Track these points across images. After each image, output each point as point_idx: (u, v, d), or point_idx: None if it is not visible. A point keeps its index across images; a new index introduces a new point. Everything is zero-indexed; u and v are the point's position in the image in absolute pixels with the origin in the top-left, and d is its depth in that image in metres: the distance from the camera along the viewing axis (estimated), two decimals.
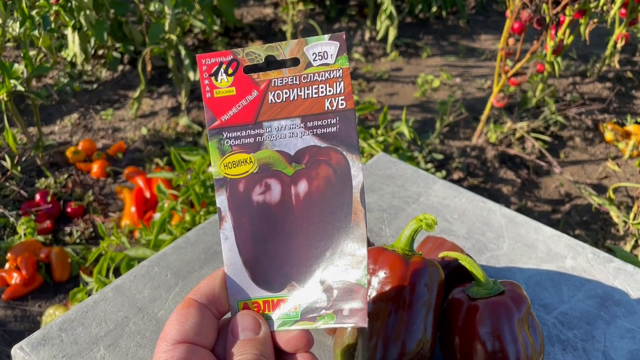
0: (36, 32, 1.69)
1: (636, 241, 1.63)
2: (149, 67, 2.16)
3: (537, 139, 2.18)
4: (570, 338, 0.59)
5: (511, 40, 1.83)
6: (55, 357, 0.55)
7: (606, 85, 2.62)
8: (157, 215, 1.40)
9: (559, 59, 2.05)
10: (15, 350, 0.56)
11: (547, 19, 1.67)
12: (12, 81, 1.63)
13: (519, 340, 0.48)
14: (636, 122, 2.33)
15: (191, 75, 2.12)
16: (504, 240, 0.71)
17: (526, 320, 0.49)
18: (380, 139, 1.48)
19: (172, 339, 0.37)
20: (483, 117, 2.06)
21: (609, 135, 2.25)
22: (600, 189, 2.01)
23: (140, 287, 0.63)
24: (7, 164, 1.68)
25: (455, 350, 0.50)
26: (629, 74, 2.70)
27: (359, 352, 0.47)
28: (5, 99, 1.65)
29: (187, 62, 2.11)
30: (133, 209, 1.70)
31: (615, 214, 1.69)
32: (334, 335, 0.56)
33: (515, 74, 1.90)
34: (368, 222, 0.73)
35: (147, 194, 1.74)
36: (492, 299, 0.50)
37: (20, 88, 1.60)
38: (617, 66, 2.04)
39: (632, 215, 1.59)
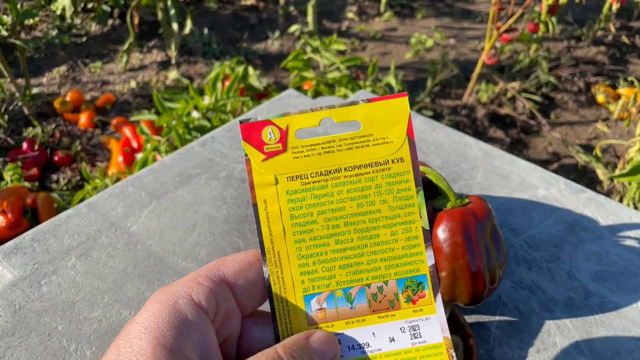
0: None
1: (621, 198, 1.64)
2: (136, 20, 2.13)
3: (528, 99, 2.18)
4: (536, 258, 0.60)
5: None
6: (27, 264, 0.56)
7: (601, 49, 2.60)
8: (139, 155, 1.40)
9: (553, 19, 2.03)
10: None
11: None
12: None
13: (481, 249, 0.49)
14: (627, 82, 2.32)
15: (175, 26, 2.09)
16: (479, 171, 0.72)
17: (489, 231, 0.50)
18: (368, 90, 1.48)
19: (222, 275, 0.36)
20: (474, 75, 2.05)
21: (600, 98, 2.25)
22: (589, 149, 2.01)
23: (114, 205, 0.64)
24: None
25: None
26: (625, 39, 2.68)
27: None
28: None
29: (172, 12, 2.08)
30: (120, 158, 1.69)
31: (601, 171, 1.70)
32: None
33: (508, 30, 1.88)
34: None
35: (135, 144, 1.74)
36: (455, 209, 0.50)
37: (4, 32, 1.58)
38: (613, 30, 2.03)
39: (617, 172, 1.60)
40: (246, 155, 0.38)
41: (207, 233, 0.61)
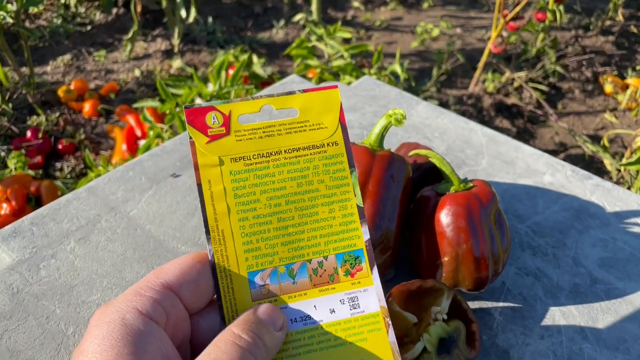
0: None
1: (628, 188, 1.63)
2: (138, 8, 2.12)
3: (535, 88, 2.16)
4: (541, 245, 0.59)
5: None
6: (25, 247, 0.55)
7: (609, 39, 2.57)
8: (142, 142, 1.40)
9: (561, 7, 2.01)
10: None
11: None
12: (1, 13, 1.60)
13: (485, 234, 0.48)
14: (635, 72, 2.30)
15: (183, 13, 2.08)
16: (483, 157, 0.71)
17: (493, 216, 0.49)
18: (374, 77, 1.46)
19: (164, 283, 0.36)
20: (480, 64, 2.03)
21: (608, 88, 2.22)
22: (596, 140, 1.99)
23: (113, 189, 0.63)
24: None
25: (422, 246, 0.50)
26: (633, 29, 2.65)
27: None
28: None
29: (177, 0, 2.07)
30: (124, 146, 1.69)
31: (608, 161, 1.69)
32: None
33: (514, 18, 1.86)
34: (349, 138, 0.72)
35: (138, 132, 1.73)
36: (459, 193, 0.49)
37: (9, 19, 1.57)
38: (622, 19, 2.00)
39: (624, 161, 1.59)
40: (190, 138, 0.40)
41: None
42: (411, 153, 0.52)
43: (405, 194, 0.50)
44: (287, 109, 0.43)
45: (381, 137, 0.51)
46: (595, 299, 0.53)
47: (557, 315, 0.51)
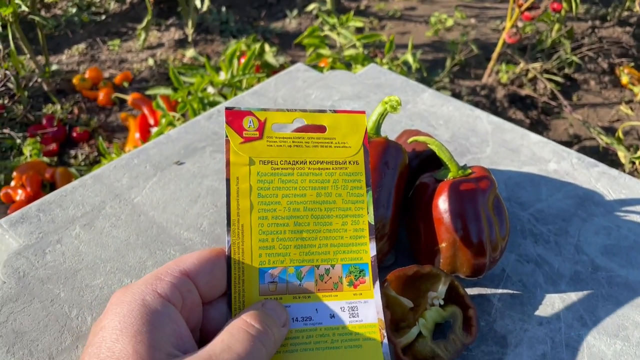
0: None
1: None
2: None
3: (550, 80, 2.13)
4: (543, 232, 0.58)
5: None
6: (32, 233, 0.57)
7: (626, 30, 2.53)
8: (154, 130, 1.41)
9: None
10: None
11: None
12: (18, 2, 1.62)
13: (482, 220, 0.48)
14: None
15: (198, 3, 2.09)
16: (488, 144, 0.70)
17: (491, 203, 0.49)
18: (385, 67, 1.46)
19: (182, 270, 0.39)
20: (494, 54, 2.01)
21: (624, 79, 2.19)
22: (611, 132, 1.97)
23: (119, 176, 0.64)
24: (14, 86, 1.69)
25: (421, 233, 0.50)
26: None
27: None
28: (11, 19, 1.65)
29: None
30: (137, 135, 1.70)
31: (622, 154, 1.67)
32: None
33: (530, 8, 1.84)
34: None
35: (151, 121, 1.74)
36: (457, 179, 0.49)
37: (24, 8, 1.59)
38: (639, 10, 1.97)
39: (639, 153, 1.57)
40: (227, 136, 0.43)
41: (210, 204, 0.61)
42: (410, 140, 0.52)
43: (401, 181, 0.50)
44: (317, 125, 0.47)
45: (378, 124, 0.51)
46: (597, 287, 0.53)
47: (557, 302, 0.51)
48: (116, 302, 0.36)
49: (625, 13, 2.63)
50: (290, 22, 2.53)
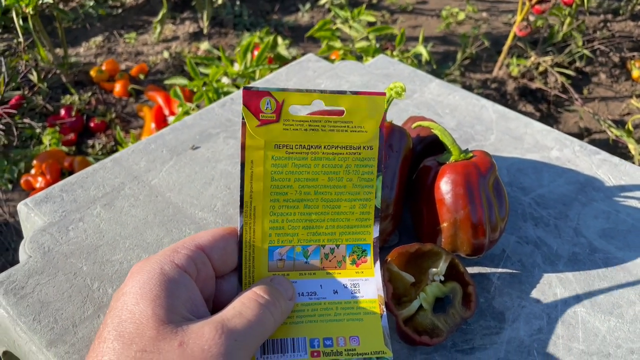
0: None
1: None
2: None
3: (561, 73, 2.14)
4: (543, 216, 0.61)
5: None
6: (56, 212, 0.60)
7: (638, 23, 2.53)
8: (171, 119, 1.44)
9: None
10: (20, 206, 0.61)
11: None
12: None
13: (482, 201, 0.50)
14: None
15: None
16: (492, 132, 0.73)
17: (491, 185, 0.51)
18: (396, 59, 1.48)
19: (198, 244, 0.42)
20: (505, 47, 2.02)
21: (636, 73, 2.19)
22: (621, 125, 1.97)
23: (137, 160, 0.67)
24: (34, 78, 1.73)
25: (423, 214, 0.53)
26: None
27: None
28: (32, 12, 1.69)
29: None
30: (153, 125, 1.74)
31: (632, 146, 1.67)
32: None
33: (540, 2, 1.85)
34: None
35: (167, 112, 1.78)
36: (459, 162, 0.52)
37: (48, 0, 1.63)
38: None
39: None
40: (243, 119, 0.44)
41: (223, 187, 0.63)
42: (414, 125, 0.55)
43: (405, 164, 0.52)
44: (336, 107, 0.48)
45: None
46: (593, 267, 0.55)
47: (554, 282, 0.54)
48: (137, 271, 0.39)
49: (638, 7, 2.62)
50: (303, 16, 2.55)
